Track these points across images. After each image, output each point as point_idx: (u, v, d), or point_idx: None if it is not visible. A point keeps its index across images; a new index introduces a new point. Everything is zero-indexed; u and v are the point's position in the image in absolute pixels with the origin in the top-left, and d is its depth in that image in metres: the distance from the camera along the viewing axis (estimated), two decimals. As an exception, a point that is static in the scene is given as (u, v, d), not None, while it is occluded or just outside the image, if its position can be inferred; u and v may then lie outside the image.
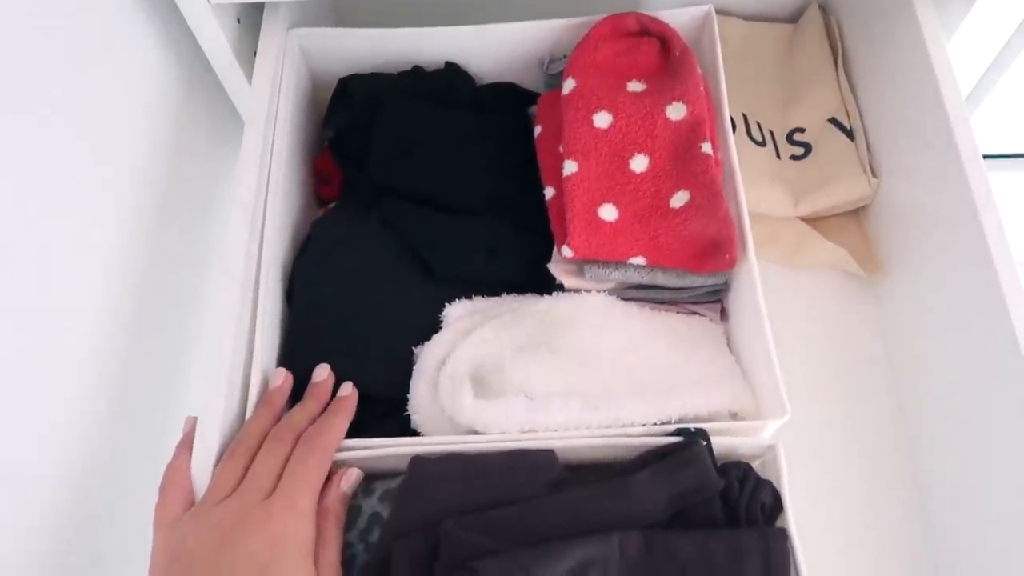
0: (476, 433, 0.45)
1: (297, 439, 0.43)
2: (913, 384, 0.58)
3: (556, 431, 0.44)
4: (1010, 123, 0.67)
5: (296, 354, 0.50)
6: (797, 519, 0.42)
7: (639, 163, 0.52)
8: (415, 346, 0.50)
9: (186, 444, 0.44)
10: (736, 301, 0.51)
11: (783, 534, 0.41)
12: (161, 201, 0.57)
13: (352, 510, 0.44)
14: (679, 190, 0.51)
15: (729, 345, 0.52)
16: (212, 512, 0.40)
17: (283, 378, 0.47)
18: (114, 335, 0.50)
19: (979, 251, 0.49)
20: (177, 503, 0.41)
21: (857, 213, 0.64)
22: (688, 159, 0.51)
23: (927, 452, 0.56)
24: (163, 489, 0.42)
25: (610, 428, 0.44)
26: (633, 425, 0.44)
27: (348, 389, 0.47)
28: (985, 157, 0.53)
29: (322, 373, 0.48)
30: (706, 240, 0.49)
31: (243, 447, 0.43)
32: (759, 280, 0.48)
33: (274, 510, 0.39)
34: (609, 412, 0.45)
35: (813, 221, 0.63)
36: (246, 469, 0.42)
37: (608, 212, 0.51)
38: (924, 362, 0.57)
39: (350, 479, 0.44)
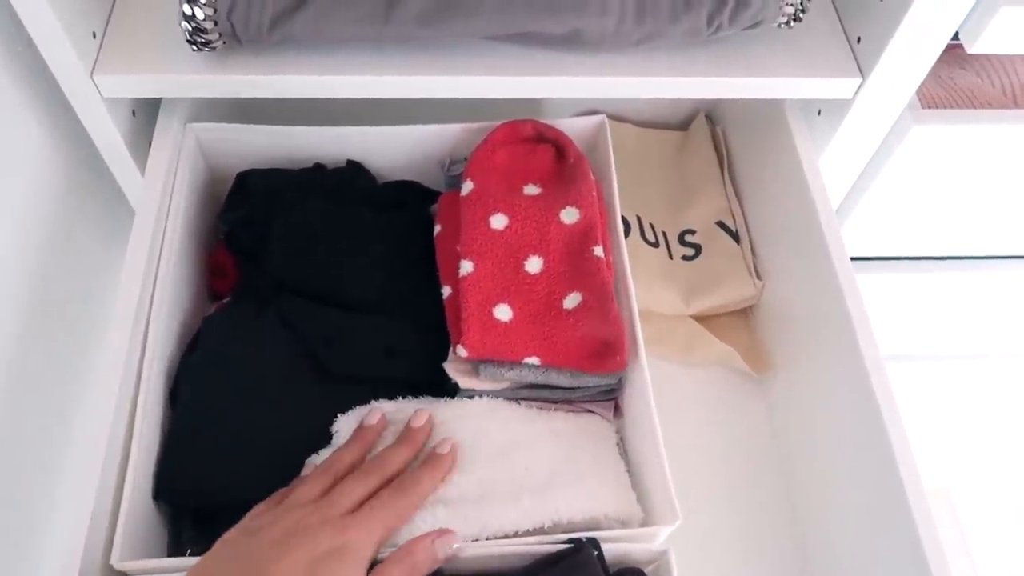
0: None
1: (383, 479, 0.45)
2: (801, 479, 0.60)
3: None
4: (878, 228, 0.72)
5: (175, 461, 0.47)
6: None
7: (534, 265, 0.53)
8: (309, 453, 0.49)
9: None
10: (628, 401, 0.52)
11: None
12: (40, 292, 0.55)
13: None
14: (572, 292, 0.52)
15: (624, 444, 0.53)
16: (292, 510, 0.42)
17: (378, 417, 0.49)
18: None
19: (849, 347, 0.52)
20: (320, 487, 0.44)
21: (745, 312, 0.67)
22: (580, 262, 0.53)
23: (818, 549, 0.57)
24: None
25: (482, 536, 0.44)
26: (505, 534, 0.44)
27: (447, 447, 0.47)
28: (855, 259, 0.57)
29: (420, 419, 0.48)
30: (598, 341, 0.50)
31: (330, 472, 0.45)
32: (650, 382, 0.49)
33: (351, 526, 0.41)
34: (478, 521, 0.44)
35: (704, 320, 0.66)
36: (327, 491, 0.43)
37: (503, 312, 0.52)
38: (809, 456, 0.59)
39: (446, 543, 0.42)
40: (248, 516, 0.43)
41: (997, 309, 0.85)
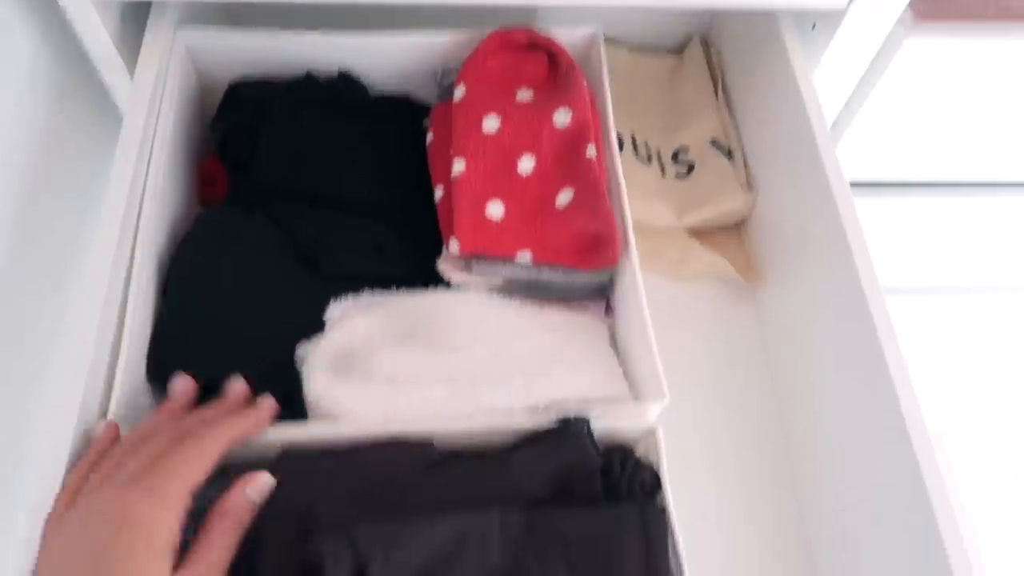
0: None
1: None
2: (787, 382, 0.60)
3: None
4: (872, 150, 0.72)
5: (165, 346, 0.47)
6: (675, 500, 0.43)
7: (526, 165, 0.53)
8: (298, 343, 0.49)
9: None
10: (619, 295, 0.52)
11: (661, 510, 0.41)
12: (29, 196, 0.54)
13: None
14: (563, 189, 0.52)
15: (613, 344, 0.53)
16: (74, 504, 0.36)
17: (183, 383, 0.44)
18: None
19: (842, 263, 0.52)
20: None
21: (737, 228, 0.68)
22: (573, 161, 0.53)
23: (799, 441, 0.58)
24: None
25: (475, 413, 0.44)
26: (500, 410, 0.44)
27: (269, 403, 0.43)
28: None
29: (237, 386, 0.44)
30: (589, 236, 0.51)
31: (119, 450, 0.39)
32: (639, 273, 0.49)
33: (130, 493, 0.35)
34: (474, 398, 0.44)
35: (697, 235, 0.66)
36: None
37: (495, 209, 0.52)
38: (797, 361, 0.60)
39: (258, 484, 0.39)
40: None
41: (993, 240, 0.85)
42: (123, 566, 0.33)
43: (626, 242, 0.50)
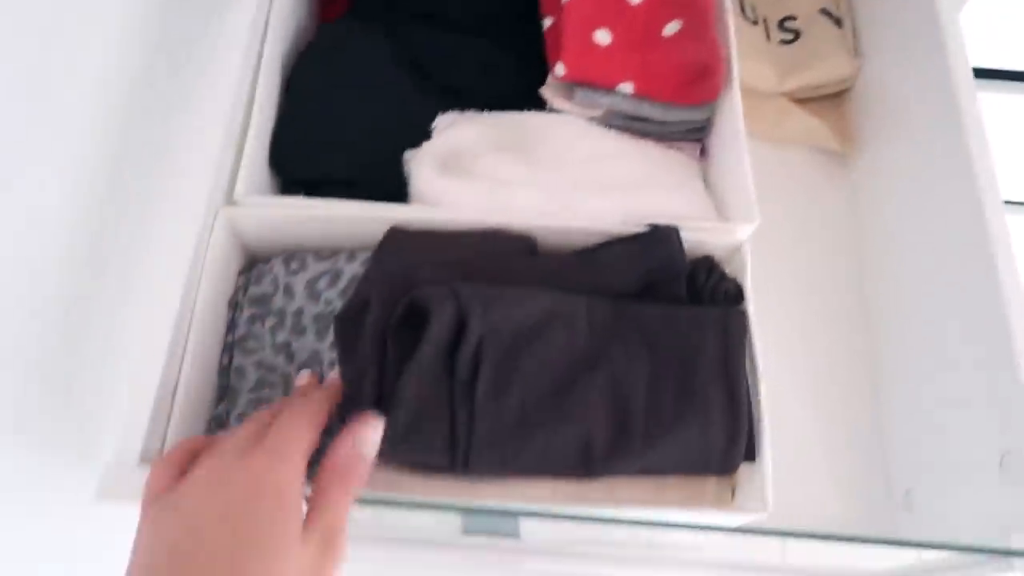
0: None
1: None
2: (872, 249, 0.61)
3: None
4: (996, 35, 0.70)
5: (288, 136, 0.51)
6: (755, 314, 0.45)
7: (637, -5, 0.54)
8: (406, 147, 0.52)
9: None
10: (716, 127, 0.53)
11: (743, 315, 0.43)
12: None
13: (332, 274, 0.46)
14: (672, 20, 0.53)
15: (707, 186, 0.55)
16: (189, 478, 0.34)
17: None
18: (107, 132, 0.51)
19: (953, 134, 0.51)
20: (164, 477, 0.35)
21: (837, 97, 0.67)
22: (683, -7, 0.53)
23: (883, 304, 0.59)
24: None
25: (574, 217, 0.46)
26: (591, 219, 0.46)
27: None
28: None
29: (305, 375, 0.43)
30: (693, 68, 0.52)
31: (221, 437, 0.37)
32: (740, 104, 0.50)
33: (255, 458, 0.34)
34: (571, 204, 0.47)
35: (796, 102, 0.66)
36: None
37: (603, 36, 0.53)
38: (885, 232, 0.60)
39: (364, 435, 0.37)
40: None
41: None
42: (262, 528, 0.32)
43: (729, 73, 0.51)
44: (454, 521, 0.52)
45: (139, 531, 0.34)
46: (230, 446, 0.35)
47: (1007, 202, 0.48)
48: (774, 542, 0.51)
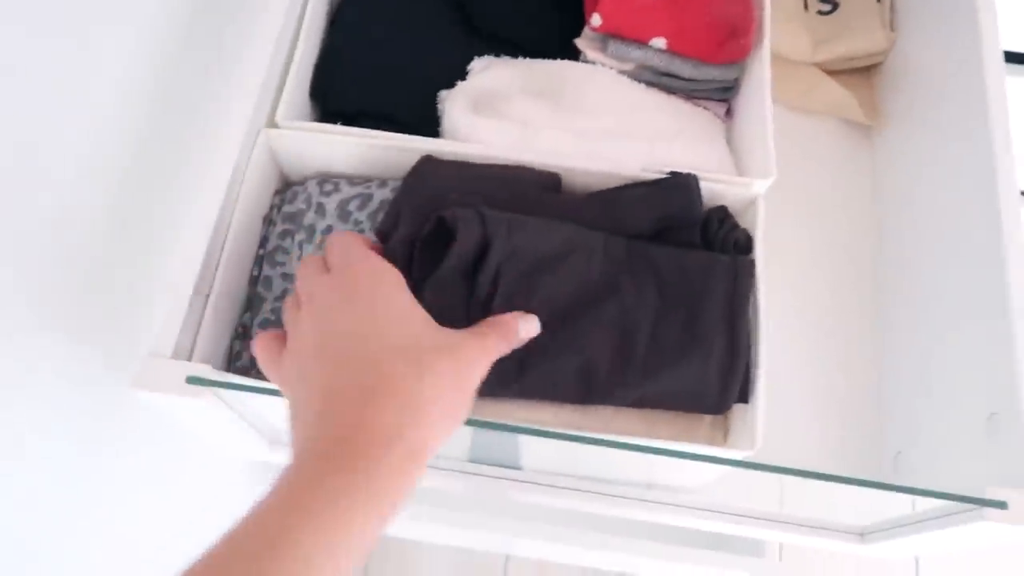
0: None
1: None
2: (891, 221, 0.62)
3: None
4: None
5: (329, 67, 0.53)
6: (765, 264, 0.46)
7: (676, -49, 0.55)
8: (444, 86, 0.54)
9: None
10: (743, 85, 0.54)
11: (751, 263, 0.45)
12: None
13: (364, 197, 0.48)
14: (709, -24, 0.54)
15: (729, 146, 0.56)
16: (309, 297, 0.38)
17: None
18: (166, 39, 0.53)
19: (978, 117, 0.52)
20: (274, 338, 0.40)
21: (868, 71, 0.68)
22: (722, -48, 0.54)
23: (891, 273, 0.61)
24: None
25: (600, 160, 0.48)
26: (619, 164, 0.48)
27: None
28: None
29: None
30: (726, 26, 0.53)
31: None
32: (768, 65, 0.51)
33: (359, 264, 0.39)
34: (598, 149, 0.48)
35: (828, 72, 0.67)
36: None
37: (641, -10, 0.54)
38: (904, 207, 0.61)
39: (530, 325, 0.40)
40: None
41: None
42: (393, 303, 0.37)
43: (760, 33, 0.53)
44: (461, 445, 0.54)
45: (282, 381, 0.38)
46: (313, 284, 0.38)
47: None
48: (767, 489, 0.53)
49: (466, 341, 0.37)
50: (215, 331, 0.45)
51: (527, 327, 0.41)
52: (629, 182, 0.48)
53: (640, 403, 0.42)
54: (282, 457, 0.55)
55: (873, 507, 0.51)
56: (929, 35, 0.61)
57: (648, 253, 0.45)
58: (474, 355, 0.37)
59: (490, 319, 0.40)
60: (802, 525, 0.52)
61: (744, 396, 0.43)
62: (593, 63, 0.55)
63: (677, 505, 0.55)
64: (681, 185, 0.46)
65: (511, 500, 0.58)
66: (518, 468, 0.56)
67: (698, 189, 0.46)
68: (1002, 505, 0.38)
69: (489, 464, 0.57)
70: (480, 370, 0.37)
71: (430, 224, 0.42)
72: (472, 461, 0.57)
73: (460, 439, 0.52)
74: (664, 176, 0.47)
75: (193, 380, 0.40)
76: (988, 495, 0.39)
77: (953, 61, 0.57)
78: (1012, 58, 0.69)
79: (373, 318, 0.36)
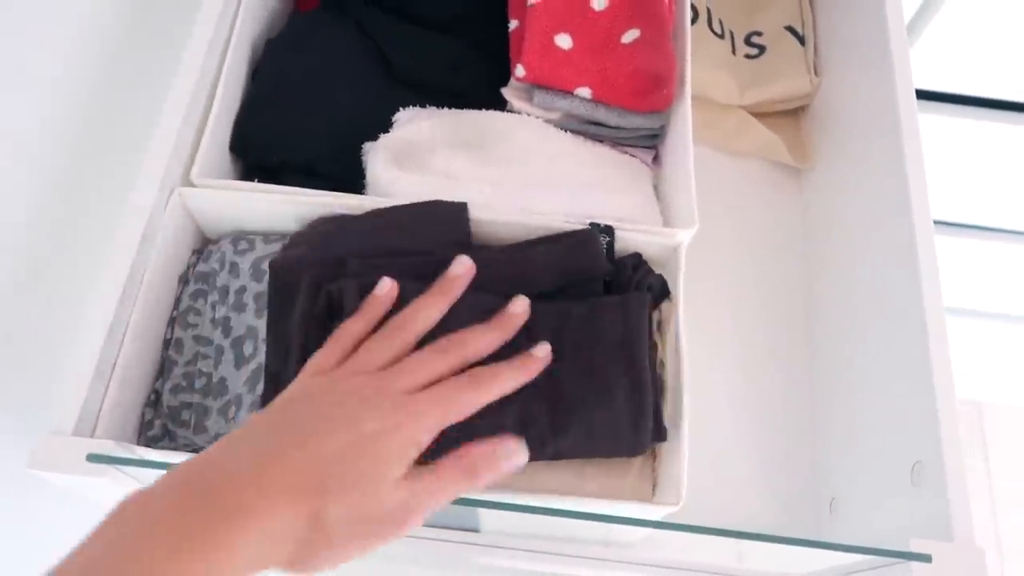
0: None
1: (462, 361, 0.40)
2: (819, 261, 0.63)
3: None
4: (948, 58, 0.72)
5: (250, 119, 0.52)
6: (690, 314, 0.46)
7: (599, 1, 0.55)
8: (368, 138, 0.53)
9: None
10: (667, 135, 0.54)
11: (640, 298, 0.44)
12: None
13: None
14: (631, 28, 0.54)
15: (657, 192, 0.56)
16: (349, 377, 0.38)
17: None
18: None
19: (894, 152, 0.53)
20: (332, 357, 0.39)
21: (795, 113, 0.69)
22: (645, 2, 0.55)
23: (822, 316, 0.61)
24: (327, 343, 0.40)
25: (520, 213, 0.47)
26: (541, 214, 0.47)
27: (544, 351, 0.42)
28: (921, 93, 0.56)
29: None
30: (649, 77, 0.53)
31: (340, 341, 0.40)
32: (689, 113, 0.51)
33: (409, 406, 0.37)
34: (519, 201, 0.48)
35: (756, 115, 0.68)
36: (386, 364, 0.39)
37: (564, 41, 0.54)
38: (831, 247, 0.62)
39: (511, 449, 0.37)
40: (308, 370, 0.39)
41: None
42: (379, 457, 0.35)
43: (682, 83, 0.53)
44: None
45: (294, 384, 0.38)
46: (402, 373, 0.38)
47: (944, 223, 0.50)
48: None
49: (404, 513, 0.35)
50: (124, 401, 0.43)
51: (508, 456, 0.37)
52: (545, 233, 0.47)
53: (558, 456, 0.42)
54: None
55: (815, 555, 0.51)
56: (849, 77, 0.62)
57: (543, 311, 0.44)
58: (404, 523, 0.35)
59: (464, 452, 0.37)
60: (733, 576, 0.52)
61: (661, 434, 0.42)
62: (519, 112, 0.55)
63: (640, 562, 0.54)
64: (583, 240, 0.46)
65: (470, 564, 0.56)
66: (476, 531, 0.55)
67: (609, 247, 0.46)
68: (926, 559, 0.38)
69: (446, 527, 0.55)
70: (397, 529, 0.35)
71: (323, 298, 0.41)
72: (427, 525, 0.55)
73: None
74: (566, 232, 0.47)
75: (94, 458, 0.38)
76: (912, 548, 0.38)
77: (869, 101, 0.58)
78: (924, 96, 0.71)
79: (359, 449, 0.35)
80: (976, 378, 1.39)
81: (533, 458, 0.39)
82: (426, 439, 0.36)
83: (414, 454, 0.36)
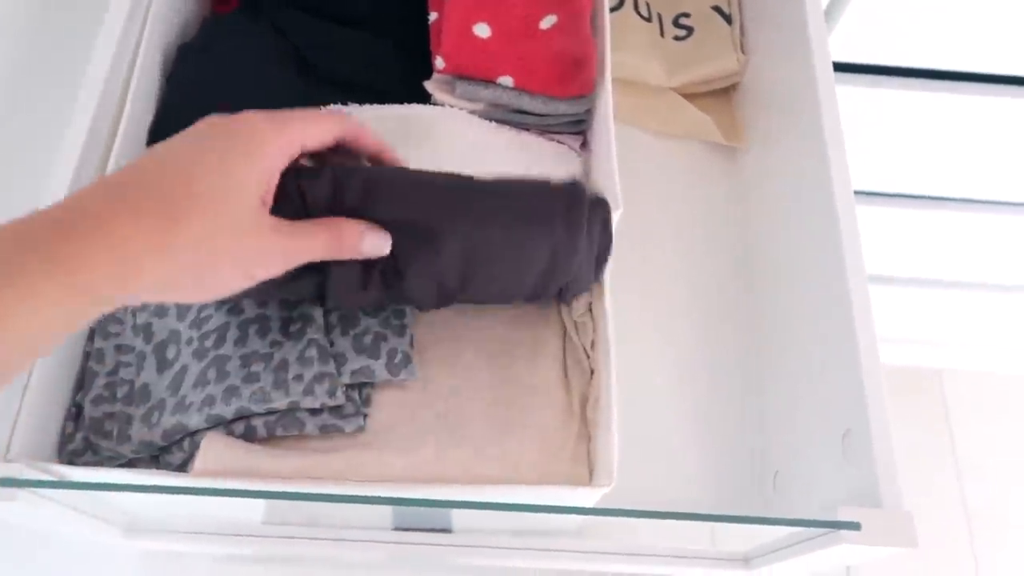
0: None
1: None
2: (754, 240, 0.63)
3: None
4: (869, 32, 0.72)
5: (164, 127, 0.51)
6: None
7: (515, -10, 0.55)
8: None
9: None
10: (593, 121, 0.54)
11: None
12: None
13: None
14: (548, 14, 0.54)
15: (585, 178, 0.56)
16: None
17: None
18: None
19: (813, 128, 0.53)
20: None
21: (727, 92, 0.69)
22: (561, -12, 0.55)
23: (758, 292, 0.61)
24: None
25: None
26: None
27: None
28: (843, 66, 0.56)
29: None
30: (568, 61, 0.53)
31: None
32: (610, 97, 0.51)
33: (256, 115, 0.38)
34: None
35: (687, 96, 0.68)
36: None
37: (482, 30, 0.54)
38: (763, 224, 0.62)
39: (376, 242, 0.40)
40: None
41: (988, 147, 0.84)
42: (216, 157, 0.37)
43: (603, 66, 0.53)
44: (384, 513, 0.52)
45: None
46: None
47: (866, 192, 0.51)
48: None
49: (272, 232, 0.36)
50: (42, 416, 0.42)
51: (374, 243, 0.39)
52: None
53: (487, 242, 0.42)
54: (144, 544, 0.52)
55: (758, 531, 0.51)
56: (772, 54, 0.63)
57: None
58: (274, 248, 0.36)
59: (331, 220, 0.38)
60: (687, 557, 0.52)
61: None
62: (443, 105, 0.55)
63: (617, 550, 0.53)
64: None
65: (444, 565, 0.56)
66: (449, 531, 0.54)
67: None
68: (855, 526, 0.38)
69: (415, 529, 0.54)
70: (271, 266, 0.36)
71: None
72: (399, 528, 0.54)
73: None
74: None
75: (4, 482, 0.37)
76: (841, 516, 0.38)
77: (791, 77, 0.58)
78: (842, 68, 0.71)
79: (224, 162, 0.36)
80: (936, 346, 1.41)
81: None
82: (278, 149, 0.37)
83: (261, 161, 0.36)
